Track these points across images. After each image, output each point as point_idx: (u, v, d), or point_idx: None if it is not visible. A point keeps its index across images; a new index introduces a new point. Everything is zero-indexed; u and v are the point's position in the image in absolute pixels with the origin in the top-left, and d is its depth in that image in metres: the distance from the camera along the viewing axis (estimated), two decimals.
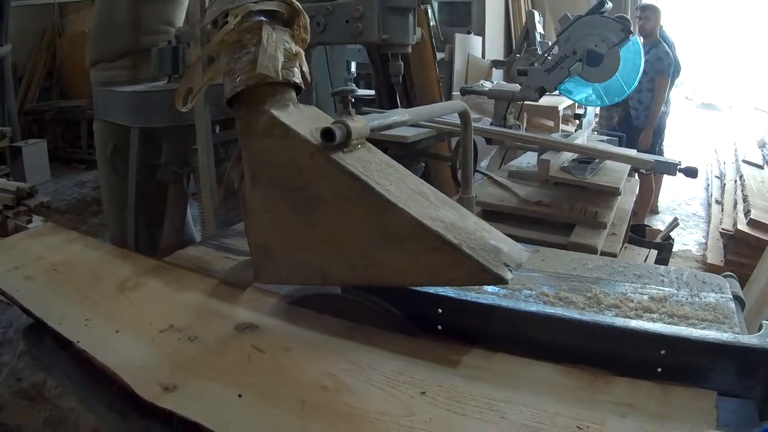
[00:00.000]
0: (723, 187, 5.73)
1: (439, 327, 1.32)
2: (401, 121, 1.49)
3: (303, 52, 1.34)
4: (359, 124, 1.21)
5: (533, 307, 1.31)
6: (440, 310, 1.31)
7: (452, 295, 1.31)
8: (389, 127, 1.43)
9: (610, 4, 2.87)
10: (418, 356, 1.23)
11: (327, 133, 1.17)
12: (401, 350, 1.25)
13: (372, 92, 3.85)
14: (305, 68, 1.33)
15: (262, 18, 1.32)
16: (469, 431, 1.02)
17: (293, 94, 1.32)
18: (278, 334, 1.31)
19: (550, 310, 1.32)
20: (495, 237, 1.21)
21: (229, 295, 1.50)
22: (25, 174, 6.29)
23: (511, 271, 1.14)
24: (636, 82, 2.92)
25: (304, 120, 1.26)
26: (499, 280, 1.12)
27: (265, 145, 1.26)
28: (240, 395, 1.07)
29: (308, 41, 1.38)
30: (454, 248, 1.11)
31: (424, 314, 1.32)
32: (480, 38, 7.50)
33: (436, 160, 3.41)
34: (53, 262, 1.69)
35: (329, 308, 1.38)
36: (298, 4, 1.36)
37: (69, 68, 8.44)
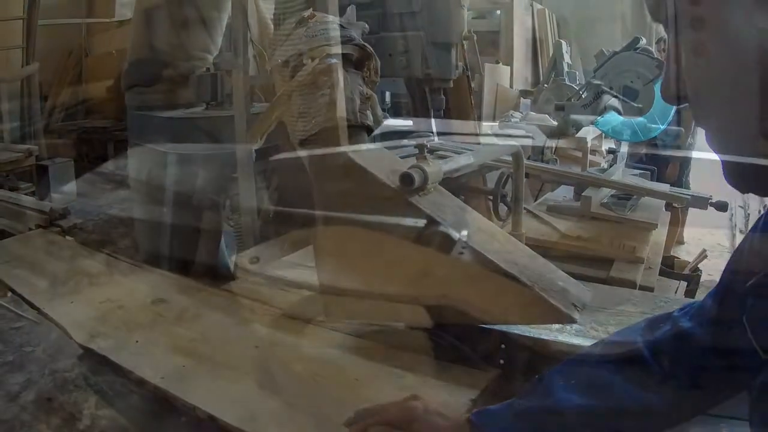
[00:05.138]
0: (747, 216, 5.71)
1: (501, 361, 1.35)
2: (468, 164, 1.53)
3: (374, 95, 1.38)
4: (434, 168, 1.25)
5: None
6: (503, 345, 1.35)
7: (514, 331, 1.34)
8: (458, 170, 1.48)
9: (644, 41, 2.93)
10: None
11: (406, 178, 1.21)
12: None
13: (409, 123, 3.88)
14: (378, 111, 1.38)
15: (335, 60, 1.37)
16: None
17: (365, 136, 1.37)
18: (178, 306, 1.70)
19: None
20: (561, 278, 1.25)
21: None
22: (50, 193, 6.33)
23: (578, 311, 1.18)
24: (670, 118, 2.96)
25: (378, 162, 1.30)
26: (569, 320, 1.17)
27: (340, 186, 1.31)
28: (137, 341, 1.48)
29: (378, 83, 1.43)
30: (528, 289, 1.15)
31: (487, 349, 1.35)
32: (508, 68, 7.47)
33: (475, 193, 3.43)
34: (36, 257, 2.12)
35: None
36: (370, 47, 1.41)
37: (95, 88, 8.52)
